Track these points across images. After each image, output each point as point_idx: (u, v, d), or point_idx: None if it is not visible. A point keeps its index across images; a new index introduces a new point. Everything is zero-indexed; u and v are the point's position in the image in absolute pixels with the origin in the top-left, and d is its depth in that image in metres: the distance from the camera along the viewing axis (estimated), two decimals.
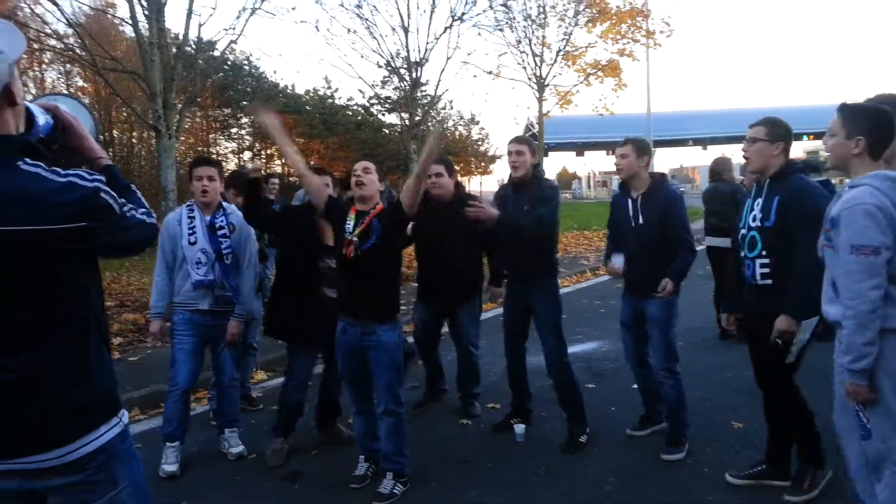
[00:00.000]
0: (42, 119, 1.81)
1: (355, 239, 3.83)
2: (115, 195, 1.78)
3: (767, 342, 3.54)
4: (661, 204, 4.33)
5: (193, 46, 11.36)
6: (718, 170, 7.30)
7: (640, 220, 4.37)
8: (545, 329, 4.61)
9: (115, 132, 27.15)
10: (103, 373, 1.86)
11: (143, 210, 1.92)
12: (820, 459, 3.72)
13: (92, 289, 1.84)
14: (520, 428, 4.70)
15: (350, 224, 3.90)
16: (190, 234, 4.41)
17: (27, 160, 1.68)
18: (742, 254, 3.68)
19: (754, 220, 3.59)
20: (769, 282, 3.55)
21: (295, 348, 4.56)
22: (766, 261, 3.54)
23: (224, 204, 4.58)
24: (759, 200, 3.58)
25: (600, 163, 63.72)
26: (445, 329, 5.53)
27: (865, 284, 2.68)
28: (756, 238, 3.58)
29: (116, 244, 1.89)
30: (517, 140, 4.65)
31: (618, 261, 4.52)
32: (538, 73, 23.23)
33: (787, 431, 3.80)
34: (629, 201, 4.45)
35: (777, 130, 3.56)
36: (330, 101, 34.66)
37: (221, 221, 4.49)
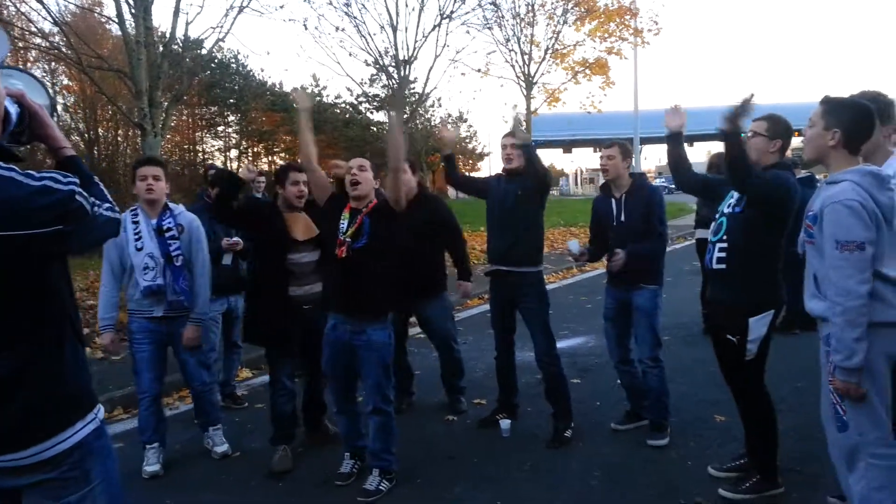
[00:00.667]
0: (12, 110, 1.79)
1: (348, 239, 3.83)
2: (86, 195, 1.77)
3: (724, 335, 3.60)
4: (646, 200, 4.47)
5: (180, 45, 11.32)
6: (717, 163, 7.40)
7: (623, 218, 4.49)
8: (533, 324, 4.63)
9: (100, 130, 26.96)
10: (79, 369, 1.86)
11: (108, 205, 1.90)
12: (768, 471, 3.68)
13: (63, 287, 1.83)
14: (505, 423, 4.71)
15: (344, 223, 3.88)
16: (136, 240, 4.21)
17: (1, 164, 1.66)
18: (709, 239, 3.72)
19: (728, 206, 3.62)
20: (723, 266, 3.57)
21: (275, 354, 4.42)
22: (724, 245, 3.56)
23: (171, 205, 4.41)
24: None
25: (588, 160, 63.87)
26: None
27: (853, 280, 2.70)
28: (723, 224, 3.61)
29: (85, 243, 1.90)
30: (512, 134, 4.73)
31: (573, 245, 4.68)
32: (526, 71, 23.29)
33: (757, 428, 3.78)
34: (612, 201, 4.56)
35: (778, 128, 3.56)
36: (318, 98, 34.59)
37: (169, 223, 4.30)
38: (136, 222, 4.25)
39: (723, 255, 3.56)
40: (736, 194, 3.60)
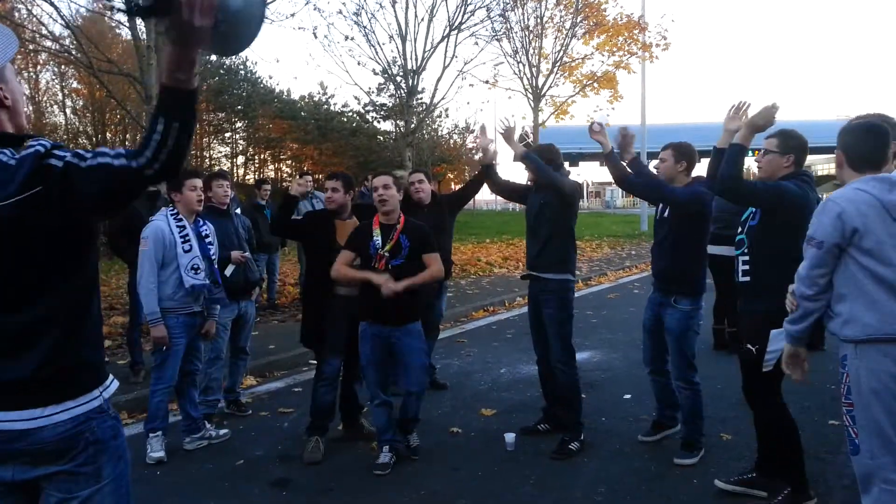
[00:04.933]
0: None
1: (386, 254, 4.20)
2: (62, 154, 1.68)
3: (745, 344, 3.65)
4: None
5: None
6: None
7: (666, 213, 4.48)
8: (550, 329, 4.68)
9: (108, 134, 27.11)
10: (98, 338, 1.91)
11: (117, 152, 1.68)
12: (799, 483, 3.68)
13: (91, 255, 1.84)
14: (510, 437, 4.68)
15: (378, 239, 4.22)
16: (184, 242, 4.56)
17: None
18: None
19: (748, 219, 3.72)
20: (748, 279, 3.68)
21: (325, 351, 4.66)
22: (747, 258, 3.68)
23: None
24: None
25: (595, 173, 63.76)
26: None
27: (814, 271, 2.84)
28: (745, 238, 3.71)
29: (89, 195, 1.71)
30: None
31: (601, 118, 4.81)
32: (534, 84, 23.38)
33: (770, 443, 3.80)
34: None
35: (790, 142, 3.64)
36: (325, 107, 34.73)
37: (206, 229, 4.76)
38: (181, 226, 4.60)
39: (746, 267, 3.68)
40: (752, 208, 3.69)
